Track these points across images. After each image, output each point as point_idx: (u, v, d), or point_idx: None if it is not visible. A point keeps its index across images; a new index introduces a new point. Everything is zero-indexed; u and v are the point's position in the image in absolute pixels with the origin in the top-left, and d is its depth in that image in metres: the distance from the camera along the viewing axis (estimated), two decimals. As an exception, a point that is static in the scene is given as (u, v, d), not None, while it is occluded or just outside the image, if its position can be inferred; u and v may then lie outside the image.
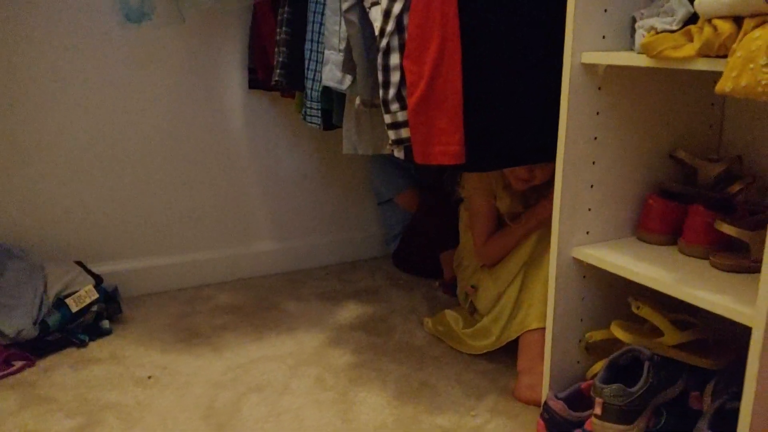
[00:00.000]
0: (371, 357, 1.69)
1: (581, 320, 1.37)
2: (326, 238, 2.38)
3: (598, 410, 1.17)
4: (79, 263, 1.88)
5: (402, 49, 1.28)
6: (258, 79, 2.05)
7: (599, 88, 1.24)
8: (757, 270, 0.97)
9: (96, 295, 1.77)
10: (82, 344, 1.73)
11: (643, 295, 1.26)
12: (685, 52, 1.00)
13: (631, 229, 1.38)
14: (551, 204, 1.29)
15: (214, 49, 2.05)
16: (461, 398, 1.50)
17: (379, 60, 1.30)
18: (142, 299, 2.04)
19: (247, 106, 2.15)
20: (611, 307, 1.39)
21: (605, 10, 1.19)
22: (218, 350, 1.73)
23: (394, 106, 1.30)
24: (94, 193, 1.99)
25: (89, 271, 1.85)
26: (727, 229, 1.15)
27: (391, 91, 1.30)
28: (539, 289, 1.54)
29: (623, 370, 1.23)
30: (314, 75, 1.68)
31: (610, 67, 1.21)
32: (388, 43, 1.28)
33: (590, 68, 1.21)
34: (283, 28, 1.75)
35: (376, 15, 1.30)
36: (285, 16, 1.74)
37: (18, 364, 1.61)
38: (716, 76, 0.94)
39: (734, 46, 0.92)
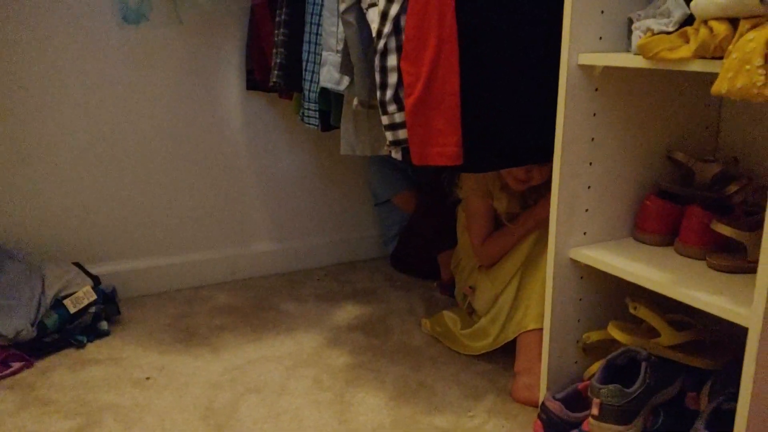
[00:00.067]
0: (369, 358, 1.69)
1: (579, 321, 1.37)
2: (324, 238, 2.38)
3: (595, 411, 1.17)
4: (77, 264, 1.88)
5: (399, 50, 1.28)
6: (256, 80, 2.05)
7: (596, 90, 1.24)
8: (753, 271, 0.97)
9: (94, 296, 1.77)
10: (81, 345, 1.74)
11: (641, 296, 1.26)
12: (681, 53, 1.01)
13: (628, 230, 1.38)
14: (549, 204, 1.30)
15: (212, 51, 2.05)
16: (459, 399, 1.50)
17: (377, 61, 1.30)
18: (141, 300, 2.04)
19: (245, 107, 2.15)
20: (608, 307, 1.39)
21: (602, 12, 1.19)
22: (216, 351, 1.73)
23: (392, 108, 1.31)
24: (92, 194, 1.99)
25: (87, 272, 1.85)
26: (724, 229, 1.15)
27: (389, 93, 1.30)
28: (537, 290, 1.54)
29: (620, 370, 1.23)
30: (312, 76, 1.69)
31: (607, 68, 1.21)
32: (385, 45, 1.28)
33: (587, 69, 1.21)
34: (281, 30, 1.75)
35: (373, 16, 1.31)
36: (283, 17, 1.75)
37: (16, 365, 1.61)
38: (712, 77, 0.94)
39: (730, 47, 0.92)
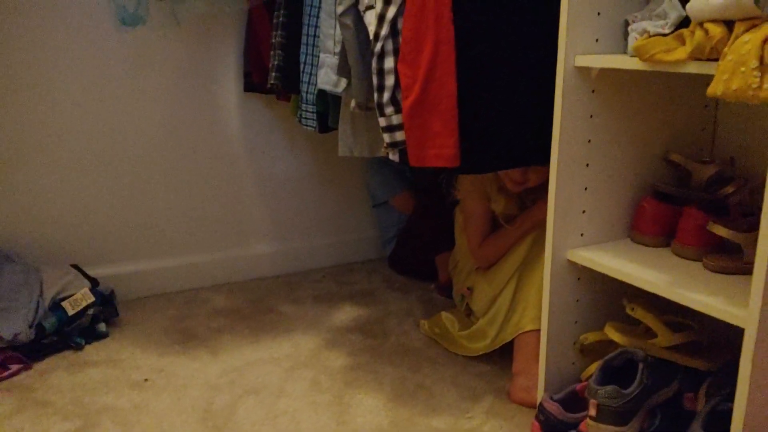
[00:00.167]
0: (367, 359, 1.70)
1: (576, 322, 1.37)
2: (322, 240, 2.39)
3: (592, 412, 1.18)
4: (75, 266, 1.88)
5: (396, 52, 1.28)
6: (254, 82, 2.05)
7: (593, 91, 1.25)
8: (749, 272, 0.97)
9: (92, 298, 1.77)
10: (79, 347, 1.74)
11: (637, 297, 1.26)
12: (676, 55, 1.01)
13: (625, 231, 1.38)
14: (546, 206, 1.30)
15: (209, 53, 2.06)
16: (457, 400, 1.50)
17: (374, 64, 1.30)
18: (139, 302, 2.04)
19: (243, 109, 2.15)
20: (606, 308, 1.39)
21: (598, 14, 1.20)
22: (215, 353, 1.73)
23: (389, 110, 1.31)
24: (91, 196, 1.99)
25: (85, 274, 1.85)
26: (720, 230, 1.16)
27: (386, 95, 1.30)
28: (534, 292, 1.55)
29: (618, 371, 1.23)
30: (309, 78, 1.69)
31: (603, 70, 1.21)
32: (382, 47, 1.29)
33: (584, 71, 1.22)
34: (279, 32, 1.75)
35: (370, 19, 1.31)
36: (280, 19, 1.75)
37: (14, 367, 1.61)
38: (708, 78, 0.95)
39: (725, 49, 0.93)
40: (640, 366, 1.19)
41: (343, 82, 1.51)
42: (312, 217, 2.35)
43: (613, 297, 1.37)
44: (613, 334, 1.28)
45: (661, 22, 1.08)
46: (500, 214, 1.70)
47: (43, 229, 1.95)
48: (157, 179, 2.07)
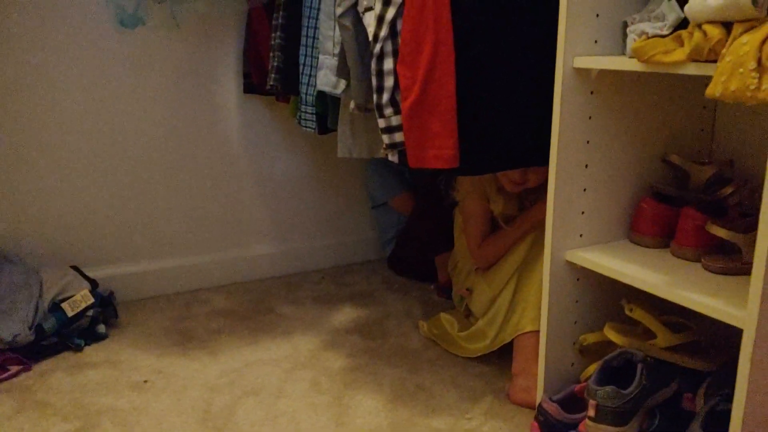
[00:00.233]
0: (366, 360, 1.70)
1: (575, 323, 1.38)
2: (322, 241, 2.39)
3: (591, 412, 1.18)
4: (75, 268, 1.88)
5: (395, 54, 1.29)
6: (253, 83, 2.06)
7: (592, 92, 1.25)
8: (748, 272, 0.98)
9: (92, 300, 1.77)
10: (78, 349, 1.74)
11: (636, 298, 1.27)
12: (675, 56, 1.01)
13: (624, 232, 1.38)
14: (545, 207, 1.30)
15: (209, 54, 2.06)
16: (456, 401, 1.51)
17: (373, 65, 1.30)
18: (138, 303, 2.05)
19: (243, 110, 2.15)
20: (605, 309, 1.39)
21: (597, 15, 1.20)
22: (214, 354, 1.73)
23: (388, 111, 1.31)
24: (90, 197, 1.99)
25: (85, 276, 1.85)
26: (719, 231, 1.16)
27: (385, 96, 1.31)
28: (533, 292, 1.55)
29: (617, 372, 1.23)
30: (309, 80, 1.69)
31: (602, 71, 1.22)
32: (381, 48, 1.29)
33: (583, 72, 1.22)
34: (278, 33, 1.75)
35: (369, 20, 1.31)
36: (280, 21, 1.75)
37: (14, 368, 1.62)
38: (707, 80, 0.95)
39: (723, 51, 0.93)
40: (639, 366, 1.20)
41: (343, 84, 1.52)
42: (311, 218, 2.36)
43: (612, 298, 1.37)
44: (612, 334, 1.28)
45: (660, 23, 1.08)
46: (499, 214, 1.70)
47: (42, 230, 1.95)
48: (156, 180, 2.07)
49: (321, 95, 1.65)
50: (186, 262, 2.16)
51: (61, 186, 1.95)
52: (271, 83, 1.78)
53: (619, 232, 1.38)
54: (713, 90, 0.93)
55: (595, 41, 1.21)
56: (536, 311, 1.50)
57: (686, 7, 1.01)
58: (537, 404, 1.34)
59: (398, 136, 1.32)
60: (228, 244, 2.23)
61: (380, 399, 1.52)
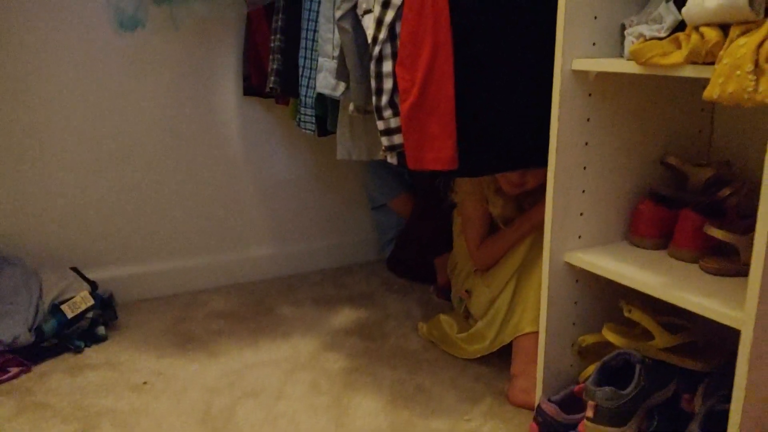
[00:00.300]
0: (366, 362, 1.70)
1: (574, 324, 1.38)
2: (321, 242, 2.39)
3: (590, 413, 1.18)
4: (75, 269, 1.88)
5: (394, 56, 1.29)
6: (253, 86, 2.06)
7: (590, 95, 1.25)
8: (746, 273, 0.98)
9: (91, 302, 1.77)
10: (78, 350, 1.74)
11: (635, 299, 1.27)
12: (673, 59, 1.02)
13: (622, 234, 1.39)
14: (544, 208, 1.30)
15: (208, 57, 2.06)
16: (456, 402, 1.51)
17: (372, 67, 1.31)
18: (138, 305, 2.05)
19: (242, 112, 2.16)
20: (603, 310, 1.40)
21: (595, 17, 1.20)
22: (214, 355, 1.74)
23: (387, 113, 1.31)
24: (90, 199, 2.00)
25: (84, 278, 1.85)
26: (717, 233, 1.16)
27: (384, 98, 1.31)
28: (532, 294, 1.55)
29: (615, 373, 1.24)
30: (308, 82, 1.69)
31: (600, 73, 1.22)
32: (380, 51, 1.29)
33: (581, 75, 1.22)
34: (278, 36, 1.76)
35: (368, 23, 1.31)
36: (279, 23, 1.75)
37: (14, 370, 1.62)
38: (705, 82, 0.95)
39: (721, 53, 0.93)
40: (638, 367, 1.20)
41: (342, 86, 1.52)
42: (311, 219, 2.36)
43: (610, 299, 1.38)
44: (610, 335, 1.28)
45: (657, 26, 1.09)
46: (498, 216, 1.70)
47: (42, 232, 1.95)
48: (156, 183, 2.08)
49: (320, 97, 1.66)
50: (185, 263, 2.16)
51: (60, 188, 1.95)
52: (271, 86, 1.78)
53: (618, 233, 1.38)
54: (711, 92, 0.93)
55: (593, 43, 1.21)
56: (535, 312, 1.50)
57: (684, 10, 1.01)
58: (536, 405, 1.34)
59: (397, 138, 1.33)
60: (228, 245, 2.23)
61: (380, 400, 1.52)
